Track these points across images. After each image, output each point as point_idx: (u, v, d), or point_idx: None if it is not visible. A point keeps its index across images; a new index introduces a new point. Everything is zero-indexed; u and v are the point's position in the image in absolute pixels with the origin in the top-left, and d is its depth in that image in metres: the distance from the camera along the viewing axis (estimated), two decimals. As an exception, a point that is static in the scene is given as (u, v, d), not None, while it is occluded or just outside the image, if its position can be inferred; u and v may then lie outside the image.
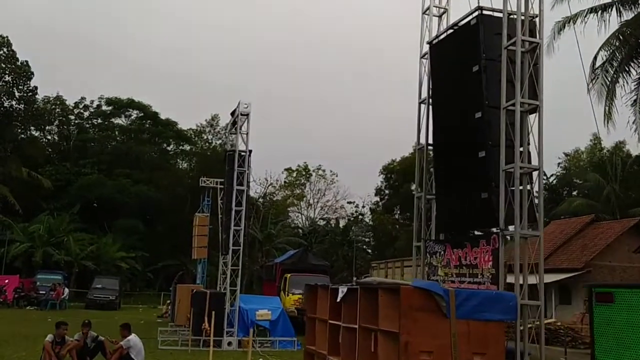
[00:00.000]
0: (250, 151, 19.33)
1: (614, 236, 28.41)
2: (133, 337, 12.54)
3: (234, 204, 18.79)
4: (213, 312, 16.16)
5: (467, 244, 10.16)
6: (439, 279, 10.39)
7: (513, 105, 9.43)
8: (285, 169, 65.59)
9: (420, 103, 12.36)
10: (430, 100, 11.95)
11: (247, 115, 19.05)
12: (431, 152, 12.05)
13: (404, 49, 59.64)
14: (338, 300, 8.00)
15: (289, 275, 26.07)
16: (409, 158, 56.65)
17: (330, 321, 8.48)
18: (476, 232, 10.59)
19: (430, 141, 11.90)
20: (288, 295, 24.97)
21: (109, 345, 12.85)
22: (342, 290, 7.89)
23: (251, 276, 46.03)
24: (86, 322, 13.20)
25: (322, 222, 64.89)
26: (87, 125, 57.70)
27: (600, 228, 29.82)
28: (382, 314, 6.98)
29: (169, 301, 31.00)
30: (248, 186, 19.34)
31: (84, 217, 47.60)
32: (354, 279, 32.55)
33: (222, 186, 23.96)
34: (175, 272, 47.29)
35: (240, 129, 19.43)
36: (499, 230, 9.15)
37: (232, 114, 20.05)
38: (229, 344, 18.08)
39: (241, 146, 19.39)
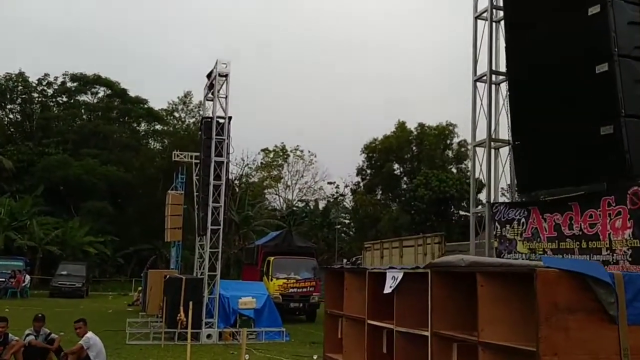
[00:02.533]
0: (230, 117, 17.03)
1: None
2: (92, 335, 10.32)
3: (212, 177, 16.50)
4: (190, 302, 13.89)
5: (573, 205, 7.27)
6: (520, 258, 7.42)
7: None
8: (262, 150, 63.24)
9: (476, 18, 9.21)
10: (497, 13, 9.02)
11: (226, 76, 16.70)
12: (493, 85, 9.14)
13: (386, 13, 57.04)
14: (388, 291, 5.31)
15: (272, 258, 23.99)
16: (390, 137, 54.93)
17: (371, 322, 5.79)
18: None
19: (495, 68, 8.95)
20: (272, 280, 23.00)
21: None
22: (395, 276, 5.18)
23: (228, 260, 43.88)
24: (39, 316, 11.17)
25: (300, 204, 62.90)
26: (51, 103, 54.76)
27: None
28: (485, 314, 4.36)
29: (140, 288, 29.01)
30: (228, 157, 17.06)
31: (48, 199, 44.70)
32: (345, 261, 30.46)
33: (197, 161, 21.56)
34: (148, 256, 45.15)
35: (219, 92, 17.06)
36: None
37: (209, 76, 17.64)
38: (209, 336, 15.95)
39: (219, 112, 17.04)
